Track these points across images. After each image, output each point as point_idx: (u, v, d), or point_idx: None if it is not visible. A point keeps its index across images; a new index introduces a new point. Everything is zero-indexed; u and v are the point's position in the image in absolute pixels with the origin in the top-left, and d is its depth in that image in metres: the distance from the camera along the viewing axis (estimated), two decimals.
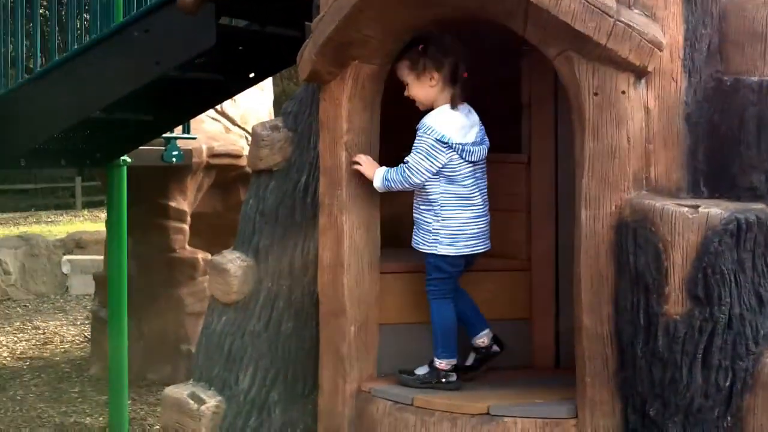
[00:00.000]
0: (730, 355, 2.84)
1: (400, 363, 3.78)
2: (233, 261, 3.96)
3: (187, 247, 9.09)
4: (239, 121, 9.95)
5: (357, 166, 3.58)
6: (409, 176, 3.49)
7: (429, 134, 3.50)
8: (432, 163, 3.48)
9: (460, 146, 3.51)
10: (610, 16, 3.04)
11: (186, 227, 9.06)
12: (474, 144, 3.56)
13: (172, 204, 8.87)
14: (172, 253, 8.92)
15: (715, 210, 2.88)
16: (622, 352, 3.04)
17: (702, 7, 3.32)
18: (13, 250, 14.69)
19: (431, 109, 3.59)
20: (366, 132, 3.69)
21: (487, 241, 3.66)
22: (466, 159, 3.53)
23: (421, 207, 3.62)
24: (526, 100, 3.96)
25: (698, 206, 2.90)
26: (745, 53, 3.32)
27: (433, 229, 3.57)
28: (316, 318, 3.73)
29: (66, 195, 27.33)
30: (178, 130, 8.09)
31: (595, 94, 3.13)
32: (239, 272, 3.92)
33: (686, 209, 2.90)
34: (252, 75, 6.32)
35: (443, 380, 3.55)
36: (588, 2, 3.04)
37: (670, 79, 3.24)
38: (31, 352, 10.97)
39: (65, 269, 15.31)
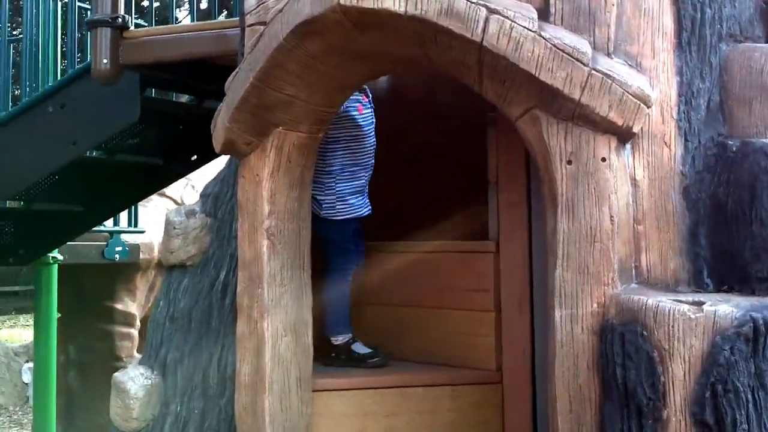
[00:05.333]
0: None
1: None
2: (135, 379, 3.38)
3: (137, 355, 8.45)
4: None
5: None
6: None
7: None
8: None
9: None
10: (583, 64, 2.55)
11: (135, 333, 8.43)
12: None
13: (119, 306, 8.24)
14: (119, 362, 8.26)
15: (725, 308, 2.33)
16: None
17: (698, 56, 2.86)
18: None
19: None
20: (294, 216, 3.17)
21: None
22: None
23: None
24: (494, 176, 3.45)
25: (702, 303, 2.35)
26: (753, 111, 2.86)
27: None
28: None
29: None
30: (123, 223, 7.57)
31: (569, 162, 2.63)
32: (141, 393, 3.34)
33: (687, 307, 2.35)
34: (194, 157, 5.82)
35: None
36: (556, 47, 2.54)
37: (662, 144, 2.77)
38: None
39: (26, 378, 14.59)
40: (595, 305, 2.55)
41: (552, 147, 2.64)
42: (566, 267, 2.59)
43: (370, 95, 3.69)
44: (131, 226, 7.66)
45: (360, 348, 3.61)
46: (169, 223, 3.53)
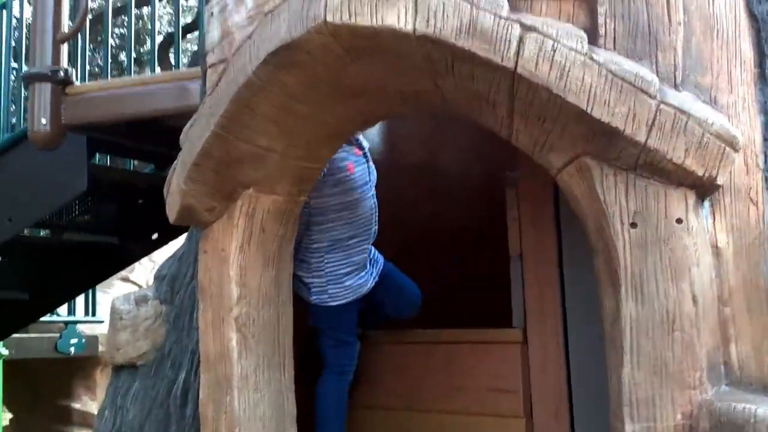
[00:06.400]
0: None
1: None
2: None
3: None
4: None
5: None
6: None
7: None
8: None
9: None
10: (650, 97, 1.97)
11: None
12: None
13: (76, 406, 7.68)
14: None
15: None
16: None
17: None
18: None
19: None
20: (270, 301, 2.58)
21: None
22: None
23: None
24: (516, 247, 2.86)
25: None
26: None
27: None
28: None
29: None
30: (80, 312, 7.07)
31: (633, 225, 2.04)
32: None
33: None
34: (155, 236, 5.22)
35: None
36: (613, 74, 1.96)
37: (748, 201, 2.22)
38: None
39: None
40: (679, 416, 1.94)
41: (609, 205, 2.05)
42: (637, 365, 1.97)
43: (365, 147, 3.10)
44: (89, 315, 7.18)
45: None
46: (115, 313, 2.94)
